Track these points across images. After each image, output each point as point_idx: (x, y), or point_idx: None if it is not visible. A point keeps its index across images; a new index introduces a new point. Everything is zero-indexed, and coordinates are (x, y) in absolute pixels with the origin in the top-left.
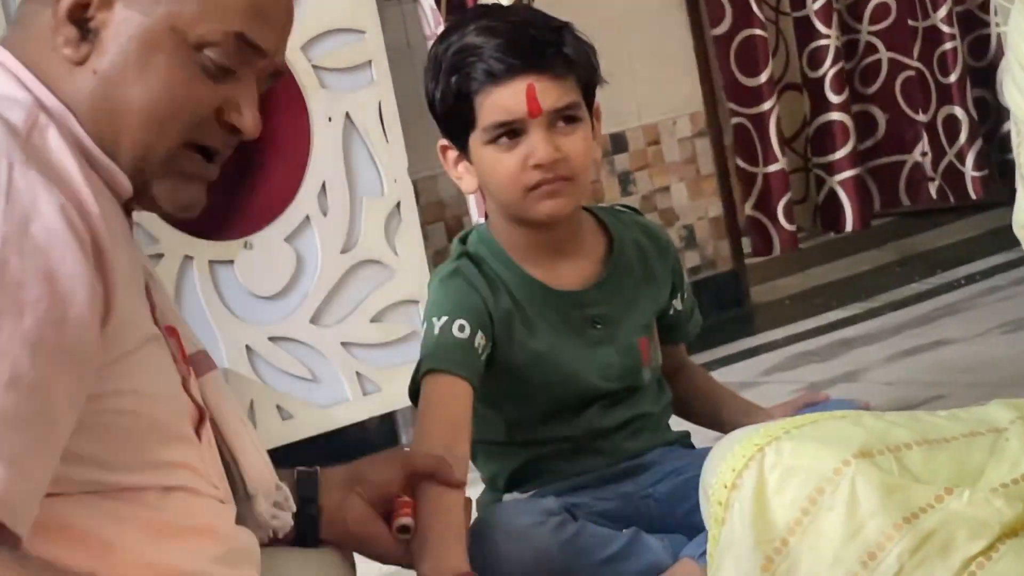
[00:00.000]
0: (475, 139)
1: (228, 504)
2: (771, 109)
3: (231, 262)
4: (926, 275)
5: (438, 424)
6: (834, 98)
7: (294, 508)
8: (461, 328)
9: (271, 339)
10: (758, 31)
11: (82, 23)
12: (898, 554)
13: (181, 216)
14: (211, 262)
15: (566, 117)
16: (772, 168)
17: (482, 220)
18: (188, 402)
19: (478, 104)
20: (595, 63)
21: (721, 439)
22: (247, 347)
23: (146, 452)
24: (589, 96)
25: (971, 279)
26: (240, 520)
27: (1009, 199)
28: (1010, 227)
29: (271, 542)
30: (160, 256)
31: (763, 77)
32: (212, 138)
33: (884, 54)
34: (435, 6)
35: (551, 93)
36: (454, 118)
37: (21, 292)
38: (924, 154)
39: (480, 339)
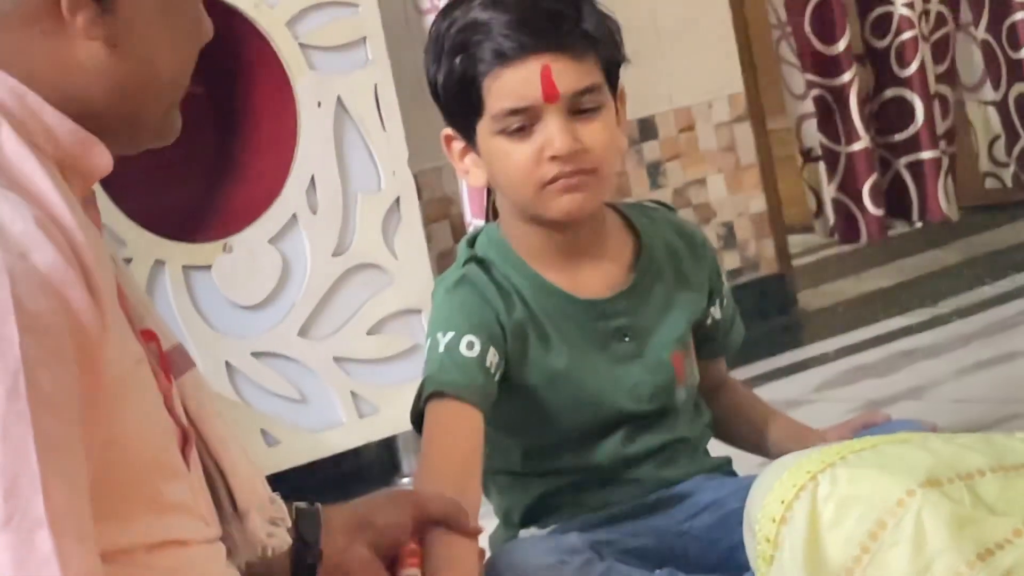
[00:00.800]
0: (483, 128)
1: (216, 542)
2: (851, 81)
3: (208, 267)
4: (998, 277)
5: (446, 459)
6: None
7: (290, 523)
8: (470, 345)
9: (254, 354)
10: None
11: None
12: None
13: (169, 142)
14: (185, 267)
15: (586, 102)
16: (856, 147)
17: (478, 221)
18: (173, 425)
19: (486, 89)
20: (619, 40)
21: (768, 465)
22: (227, 364)
23: (135, 505)
24: (612, 77)
25: None
26: (229, 542)
27: None
28: None
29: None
30: (128, 261)
31: (841, 45)
32: None
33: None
34: None
35: (569, 75)
36: (459, 104)
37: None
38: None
39: (492, 357)
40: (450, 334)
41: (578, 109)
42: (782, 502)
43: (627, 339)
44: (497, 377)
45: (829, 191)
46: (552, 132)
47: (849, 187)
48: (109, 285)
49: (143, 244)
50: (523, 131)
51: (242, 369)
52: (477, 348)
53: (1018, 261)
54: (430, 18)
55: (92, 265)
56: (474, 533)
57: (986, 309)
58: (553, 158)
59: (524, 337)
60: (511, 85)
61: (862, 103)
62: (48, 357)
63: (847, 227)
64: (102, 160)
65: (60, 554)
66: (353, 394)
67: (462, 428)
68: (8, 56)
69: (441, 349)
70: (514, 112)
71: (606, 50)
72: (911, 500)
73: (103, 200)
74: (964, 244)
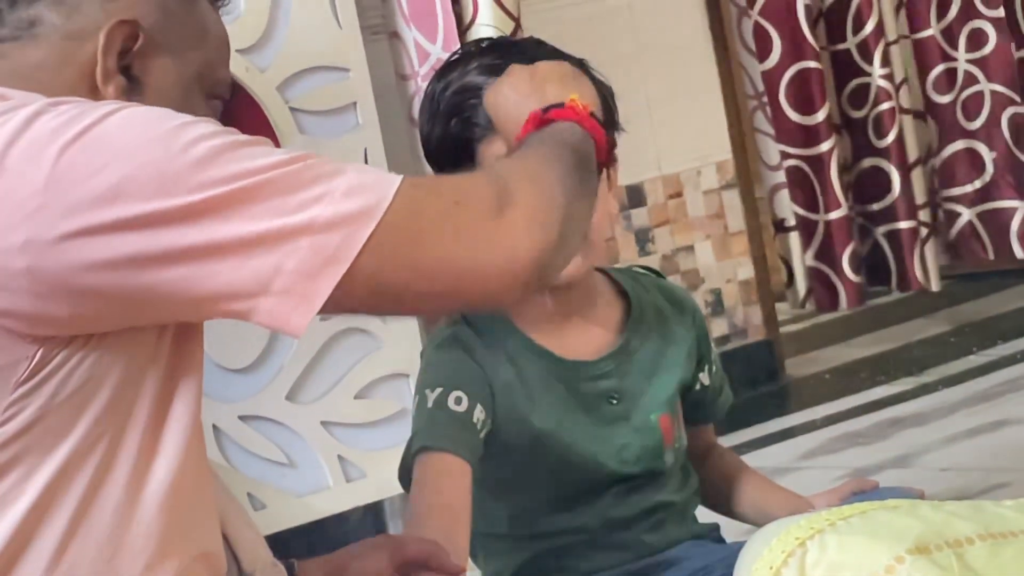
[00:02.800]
0: None
1: None
2: (830, 150)
3: None
4: (985, 346)
5: (433, 510)
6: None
7: None
8: (458, 400)
9: (241, 418)
10: (812, 63)
11: (126, 71)
12: None
13: None
14: None
15: None
16: (834, 215)
17: None
18: None
19: (480, 153)
20: (613, 106)
21: (756, 532)
22: (213, 427)
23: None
24: (609, 141)
25: None
26: None
27: None
28: None
29: None
30: None
31: (820, 114)
32: None
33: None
34: (422, 40)
35: None
36: (452, 166)
37: None
38: None
39: (480, 413)
40: (438, 390)
41: None
42: (771, 568)
43: (614, 401)
44: (483, 434)
45: (805, 260)
46: None
47: (827, 255)
48: None
49: None
50: None
51: (229, 432)
52: (465, 403)
53: (1004, 330)
54: (411, 84)
55: None
56: (457, 572)
57: (973, 378)
58: None
59: (511, 396)
60: (503, 151)
61: (840, 172)
62: None
63: (825, 295)
64: None
65: None
66: (340, 458)
67: (451, 480)
68: None
69: (430, 404)
70: None
71: (603, 117)
72: (900, 567)
73: None
74: (950, 313)
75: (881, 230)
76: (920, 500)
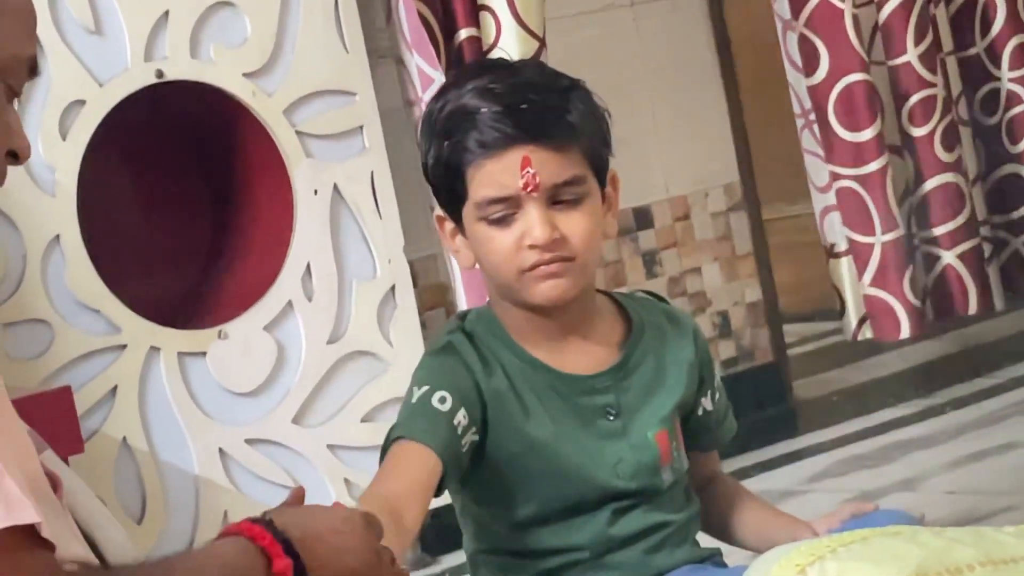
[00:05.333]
0: (467, 213)
1: None
2: (884, 167)
3: (203, 354)
4: (992, 369)
5: (389, 485)
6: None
7: None
8: (442, 400)
9: (248, 441)
10: (860, 75)
11: None
12: None
13: None
14: (180, 354)
15: (567, 193)
16: (889, 236)
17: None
18: (40, 465)
19: (469, 177)
20: (606, 129)
21: (757, 558)
22: (220, 450)
23: None
24: (600, 166)
25: None
26: None
27: None
28: None
29: None
30: (123, 347)
31: (869, 133)
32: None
33: None
34: (424, 66)
35: (550, 166)
36: (446, 189)
37: None
38: None
39: (462, 417)
40: (425, 388)
41: (559, 200)
42: None
43: (611, 417)
44: (466, 439)
45: (861, 286)
46: (531, 222)
47: (884, 280)
48: None
49: (138, 331)
50: (504, 220)
51: (235, 456)
52: (448, 404)
53: (1012, 352)
54: (415, 109)
55: None
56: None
57: (980, 400)
58: (532, 246)
59: (503, 405)
60: (492, 175)
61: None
62: None
63: (887, 323)
64: None
65: None
66: (346, 481)
67: (415, 464)
68: None
69: (414, 400)
70: (495, 201)
71: (591, 141)
72: None
73: (100, 288)
74: (957, 336)
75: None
76: (921, 527)
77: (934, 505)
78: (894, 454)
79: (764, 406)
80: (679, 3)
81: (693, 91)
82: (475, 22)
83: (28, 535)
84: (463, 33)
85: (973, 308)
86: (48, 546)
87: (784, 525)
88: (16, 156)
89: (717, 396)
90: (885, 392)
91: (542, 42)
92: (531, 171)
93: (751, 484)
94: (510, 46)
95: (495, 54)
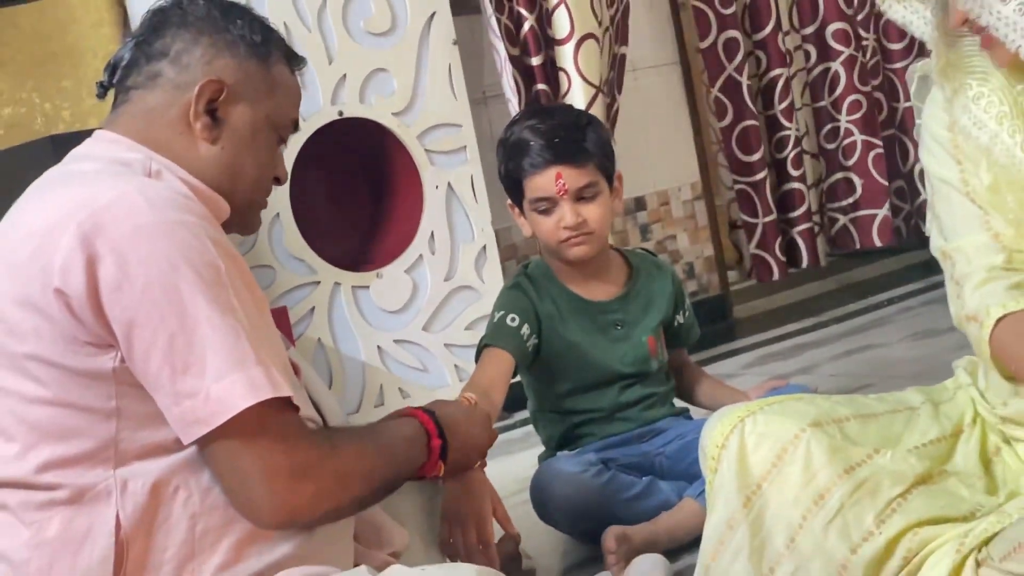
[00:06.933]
0: (526, 205)
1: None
2: (764, 178)
3: (367, 287)
4: (859, 299)
5: (483, 377)
6: (793, 172)
7: None
8: (512, 320)
9: (395, 341)
10: (752, 122)
11: (212, 114)
12: (840, 495)
13: (251, 233)
14: (353, 287)
15: (587, 192)
16: (768, 219)
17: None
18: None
19: (525, 184)
20: (610, 149)
21: (713, 413)
22: (378, 347)
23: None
24: (608, 172)
25: (891, 301)
26: None
27: (920, 242)
28: (919, 263)
29: None
30: (317, 283)
31: (756, 155)
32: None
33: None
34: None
35: (574, 177)
36: (512, 190)
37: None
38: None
39: (526, 329)
40: (501, 312)
41: (581, 197)
42: (722, 434)
43: (619, 328)
44: (529, 343)
45: (749, 248)
46: (564, 212)
47: (764, 245)
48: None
49: (327, 272)
50: (548, 211)
51: (388, 351)
52: (517, 322)
53: (873, 288)
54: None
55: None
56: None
57: (851, 318)
58: (565, 228)
59: (552, 320)
60: (538, 185)
61: (772, 192)
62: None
63: (763, 271)
64: (226, 207)
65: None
66: (456, 366)
67: (497, 362)
68: (164, 147)
69: (495, 320)
70: (541, 199)
71: (600, 158)
72: (803, 435)
73: (303, 246)
74: (838, 278)
75: (797, 229)
76: (815, 393)
77: (822, 383)
78: (797, 352)
79: (715, 322)
80: (664, 71)
81: (673, 125)
82: (546, 80)
83: (286, 402)
84: (540, 87)
85: (806, 263)
86: (297, 409)
87: (729, 394)
88: (278, 180)
89: (687, 314)
90: (792, 313)
91: (598, 89)
92: (562, 182)
93: (708, 370)
94: (577, 93)
95: (568, 98)
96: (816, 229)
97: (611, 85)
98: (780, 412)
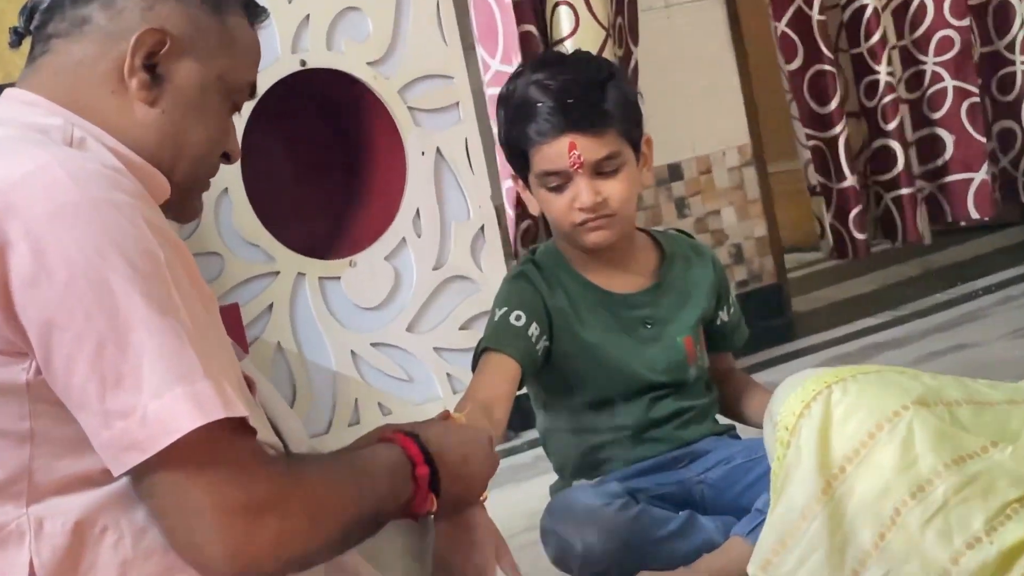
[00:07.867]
0: (532, 179)
1: None
2: (840, 133)
3: (338, 278)
4: (947, 287)
5: (482, 389)
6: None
7: None
8: (517, 317)
9: (373, 345)
10: (827, 66)
11: (151, 70)
12: (944, 490)
13: (189, 221)
14: (321, 278)
15: (606, 165)
16: (844, 184)
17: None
18: (239, 367)
19: (531, 155)
20: (637, 109)
21: (789, 377)
22: (352, 352)
23: None
24: (634, 136)
25: (987, 290)
26: None
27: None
28: (1020, 244)
29: None
30: (276, 273)
31: (832, 105)
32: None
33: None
34: (485, 57)
35: (591, 147)
36: (515, 160)
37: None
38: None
39: (534, 329)
40: (504, 308)
41: (600, 171)
42: (802, 401)
43: (648, 326)
44: (538, 345)
45: (827, 219)
46: (579, 189)
47: (841, 216)
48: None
49: (289, 260)
50: (559, 187)
51: (364, 356)
52: (523, 320)
53: (962, 274)
54: (491, 90)
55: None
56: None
57: (937, 312)
58: (580, 209)
59: (565, 317)
60: (548, 156)
61: (853, 150)
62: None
63: (840, 247)
64: (164, 183)
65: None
66: (448, 375)
67: (500, 370)
68: (90, 110)
69: (496, 319)
70: (550, 174)
71: (624, 122)
72: (905, 412)
73: (259, 228)
74: (920, 261)
75: (890, 195)
76: (921, 372)
77: None
78: (870, 353)
79: (769, 318)
80: (704, 5)
81: (716, 74)
82: (534, 19)
83: (240, 424)
84: (525, 27)
85: (902, 240)
86: (253, 432)
87: None
88: (227, 157)
89: (732, 310)
90: (864, 305)
91: (608, 31)
92: (577, 153)
93: (758, 377)
94: (585, 37)
95: (572, 44)
96: (918, 197)
97: (627, 30)
98: (878, 383)
